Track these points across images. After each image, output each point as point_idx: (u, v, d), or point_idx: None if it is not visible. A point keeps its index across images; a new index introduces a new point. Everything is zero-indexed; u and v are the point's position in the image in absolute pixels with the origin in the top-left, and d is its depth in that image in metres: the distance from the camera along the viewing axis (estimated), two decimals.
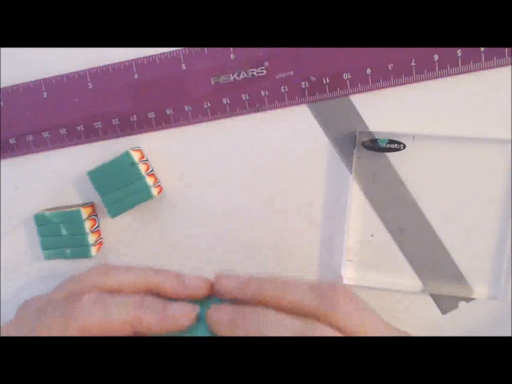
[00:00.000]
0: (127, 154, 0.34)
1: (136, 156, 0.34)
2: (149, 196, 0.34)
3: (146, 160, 0.36)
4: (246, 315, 0.24)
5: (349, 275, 0.36)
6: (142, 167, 0.34)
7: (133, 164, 0.34)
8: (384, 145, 0.34)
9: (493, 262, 0.36)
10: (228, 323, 0.24)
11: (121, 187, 0.34)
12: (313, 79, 0.35)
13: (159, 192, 0.35)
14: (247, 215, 0.36)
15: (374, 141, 0.34)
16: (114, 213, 0.35)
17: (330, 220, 0.36)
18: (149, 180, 0.34)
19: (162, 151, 0.36)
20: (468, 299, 0.36)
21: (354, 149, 0.35)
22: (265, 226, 0.36)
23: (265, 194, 0.36)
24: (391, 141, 0.34)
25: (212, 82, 0.35)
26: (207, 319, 0.25)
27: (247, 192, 0.36)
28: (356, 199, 0.36)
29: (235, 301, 0.26)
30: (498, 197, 0.35)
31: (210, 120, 0.36)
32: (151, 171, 0.36)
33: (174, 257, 0.37)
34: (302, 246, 0.36)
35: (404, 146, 0.34)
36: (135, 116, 0.36)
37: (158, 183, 0.36)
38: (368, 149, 0.35)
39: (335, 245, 0.36)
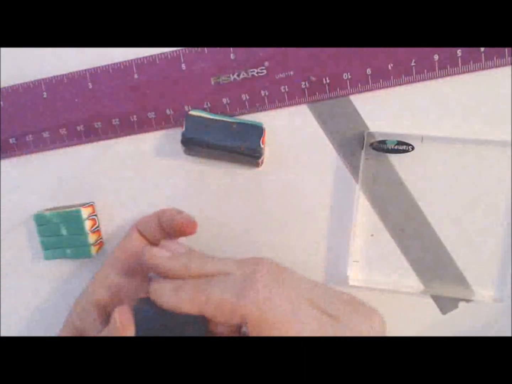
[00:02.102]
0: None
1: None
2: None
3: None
4: (189, 281, 0.26)
5: (354, 276, 0.36)
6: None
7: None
8: (392, 146, 0.34)
9: (498, 265, 0.35)
10: (171, 290, 0.26)
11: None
12: (313, 79, 0.35)
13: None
14: (249, 218, 0.36)
15: (382, 142, 0.34)
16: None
17: (332, 221, 0.36)
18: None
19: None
20: (468, 300, 0.36)
21: (362, 150, 0.35)
22: (267, 228, 0.36)
23: (265, 194, 0.36)
24: (400, 143, 0.34)
25: (212, 82, 0.35)
26: (151, 293, 0.27)
27: (248, 193, 0.36)
28: (359, 200, 0.36)
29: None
30: (502, 200, 0.35)
31: None
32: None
33: None
34: (305, 247, 0.36)
35: (413, 148, 0.34)
36: (135, 116, 0.36)
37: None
38: (376, 150, 0.35)
39: (339, 246, 0.36)
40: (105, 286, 0.31)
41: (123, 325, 0.25)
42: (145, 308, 0.27)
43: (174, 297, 0.26)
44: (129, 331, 0.25)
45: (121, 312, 0.26)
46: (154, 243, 0.33)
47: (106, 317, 0.30)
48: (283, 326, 0.24)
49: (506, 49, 0.34)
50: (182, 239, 0.32)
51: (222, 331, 0.26)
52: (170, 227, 0.31)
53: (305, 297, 0.25)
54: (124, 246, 0.33)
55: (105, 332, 0.26)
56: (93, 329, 0.30)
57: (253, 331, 0.24)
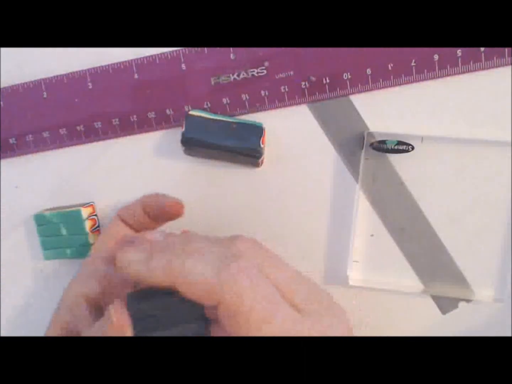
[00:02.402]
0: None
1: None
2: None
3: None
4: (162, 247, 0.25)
5: (354, 276, 0.36)
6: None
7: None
8: (392, 146, 0.34)
9: (498, 265, 0.35)
10: (141, 258, 0.24)
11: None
12: (313, 79, 0.35)
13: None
14: (249, 218, 0.36)
15: (382, 142, 0.34)
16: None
17: (332, 221, 0.36)
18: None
19: None
20: (468, 300, 0.36)
21: (362, 150, 0.35)
22: (267, 228, 0.36)
23: (265, 194, 0.36)
24: (400, 143, 0.34)
25: (212, 82, 0.35)
26: (118, 261, 0.25)
27: (248, 193, 0.36)
28: (359, 200, 0.36)
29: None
30: (502, 200, 0.35)
31: None
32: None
33: None
34: (305, 246, 0.36)
35: (413, 148, 0.34)
36: (135, 116, 0.36)
37: None
38: (376, 150, 0.35)
39: (339, 246, 0.36)
40: (95, 278, 0.30)
41: (121, 325, 0.24)
42: (138, 303, 0.25)
43: (143, 265, 0.24)
44: (127, 332, 0.24)
45: (117, 310, 0.24)
46: (139, 230, 0.32)
47: (97, 310, 0.29)
48: (257, 323, 0.22)
49: (506, 49, 0.34)
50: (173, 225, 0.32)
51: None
52: (155, 212, 0.30)
53: (283, 290, 0.24)
54: (109, 236, 0.32)
55: (97, 329, 0.25)
56: (85, 324, 0.28)
57: (224, 318, 0.22)
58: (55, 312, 0.31)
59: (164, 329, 0.24)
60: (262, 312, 0.22)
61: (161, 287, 0.24)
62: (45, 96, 0.36)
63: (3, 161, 0.37)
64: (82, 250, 0.35)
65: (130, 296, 0.26)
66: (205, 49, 0.35)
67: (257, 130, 0.34)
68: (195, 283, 0.23)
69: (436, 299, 0.36)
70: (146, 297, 0.25)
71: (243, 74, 0.35)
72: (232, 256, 0.24)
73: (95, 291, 0.29)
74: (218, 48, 0.35)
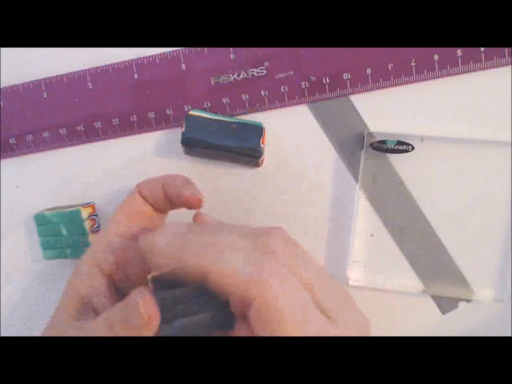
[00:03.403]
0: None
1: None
2: None
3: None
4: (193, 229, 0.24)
5: (354, 276, 0.36)
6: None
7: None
8: (392, 146, 0.34)
9: (498, 265, 0.35)
10: (172, 243, 0.23)
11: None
12: (313, 79, 0.35)
13: None
14: (249, 218, 0.36)
15: (382, 142, 0.34)
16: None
17: (332, 221, 0.36)
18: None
19: None
20: (468, 300, 0.36)
21: (362, 150, 0.35)
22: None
23: (265, 194, 0.36)
24: (400, 143, 0.34)
25: (212, 82, 0.35)
26: (142, 245, 0.24)
27: (248, 193, 0.36)
28: (359, 200, 0.36)
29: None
30: (502, 200, 0.35)
31: None
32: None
33: None
34: (305, 246, 0.36)
35: (413, 148, 0.34)
36: (135, 116, 0.36)
37: None
38: (376, 150, 0.35)
39: (339, 246, 0.36)
40: (109, 250, 0.28)
41: (150, 317, 0.21)
42: (163, 290, 0.23)
43: (175, 251, 0.22)
44: (155, 324, 0.22)
45: (146, 300, 0.22)
46: (157, 208, 0.30)
47: (113, 286, 0.28)
48: (291, 329, 0.21)
49: (506, 49, 0.34)
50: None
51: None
52: (174, 198, 0.29)
53: (314, 293, 0.23)
54: (127, 209, 0.30)
55: (119, 314, 0.23)
56: (102, 300, 0.27)
57: (255, 319, 0.21)
58: (68, 283, 0.29)
59: (190, 319, 0.22)
60: (296, 319, 0.21)
61: (190, 276, 0.22)
62: (45, 96, 0.36)
63: (3, 161, 0.37)
64: (82, 250, 0.35)
65: (153, 280, 0.23)
66: (205, 49, 0.35)
67: (257, 130, 0.34)
68: (229, 276, 0.21)
69: (436, 299, 0.36)
70: (171, 283, 0.23)
71: (243, 74, 0.35)
72: (264, 254, 0.22)
73: (109, 263, 0.28)
74: (218, 48, 0.35)
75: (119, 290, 0.28)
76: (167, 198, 0.30)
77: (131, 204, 0.30)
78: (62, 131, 0.36)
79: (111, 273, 0.28)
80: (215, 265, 0.22)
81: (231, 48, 0.35)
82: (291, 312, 0.21)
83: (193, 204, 0.29)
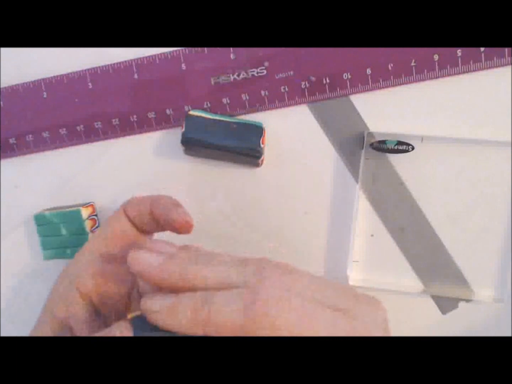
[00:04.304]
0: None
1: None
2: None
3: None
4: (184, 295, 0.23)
5: (354, 276, 0.36)
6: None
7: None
8: (392, 146, 0.34)
9: (498, 265, 0.35)
10: (166, 308, 0.23)
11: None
12: (313, 79, 0.35)
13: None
14: (249, 218, 0.36)
15: (382, 142, 0.34)
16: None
17: (332, 221, 0.36)
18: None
19: None
20: (468, 300, 0.36)
21: (362, 150, 0.35)
22: (267, 228, 0.36)
23: (266, 194, 0.36)
24: (400, 143, 0.34)
25: (212, 82, 0.35)
26: (143, 310, 0.23)
27: (248, 193, 0.36)
28: (359, 200, 0.36)
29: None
30: (502, 200, 0.35)
31: None
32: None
33: None
34: (305, 246, 0.36)
35: (413, 148, 0.34)
36: (135, 116, 0.36)
37: None
38: (376, 150, 0.35)
39: (339, 246, 0.36)
40: (90, 273, 0.28)
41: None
42: (144, 332, 0.23)
43: (170, 318, 0.23)
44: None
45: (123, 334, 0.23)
46: (142, 230, 0.29)
47: (92, 307, 0.28)
48: (299, 333, 0.22)
49: (506, 49, 0.34)
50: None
51: None
52: (162, 221, 0.28)
53: (316, 299, 0.23)
54: (110, 230, 0.29)
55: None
56: (80, 325, 0.27)
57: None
58: (46, 302, 0.28)
59: None
60: (300, 323, 0.22)
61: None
62: (45, 96, 0.36)
63: (3, 161, 0.37)
64: None
65: (133, 320, 0.24)
66: (205, 49, 0.35)
67: (257, 130, 0.34)
68: (225, 328, 0.22)
69: (436, 299, 0.36)
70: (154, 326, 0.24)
71: (243, 74, 0.35)
72: (259, 290, 0.22)
73: (88, 285, 0.27)
74: (218, 48, 0.35)
75: (96, 311, 0.28)
76: (154, 219, 0.28)
77: (114, 226, 0.29)
78: (62, 131, 0.36)
79: (89, 295, 0.27)
80: (208, 323, 0.22)
81: (231, 48, 0.35)
82: (292, 324, 0.22)
83: (182, 228, 0.27)
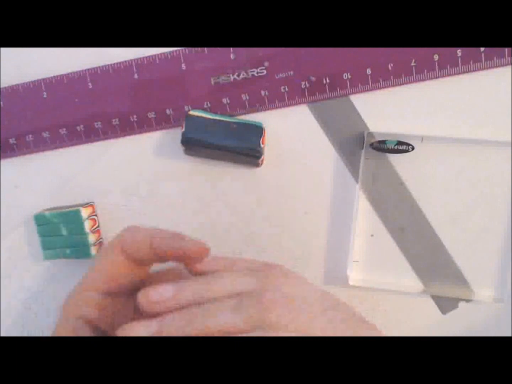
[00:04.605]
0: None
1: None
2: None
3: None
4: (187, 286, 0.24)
5: (354, 276, 0.36)
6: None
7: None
8: (392, 146, 0.34)
9: (498, 265, 0.35)
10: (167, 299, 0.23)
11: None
12: (313, 79, 0.35)
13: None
14: (249, 218, 0.36)
15: (382, 142, 0.34)
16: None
17: (332, 221, 0.36)
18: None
19: None
20: (468, 300, 0.36)
21: (362, 150, 0.35)
22: (267, 228, 0.36)
23: (266, 194, 0.36)
24: (400, 143, 0.34)
25: (212, 82, 0.35)
26: (140, 301, 0.24)
27: (248, 193, 0.36)
28: (359, 200, 0.36)
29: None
30: (502, 200, 0.35)
31: None
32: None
33: None
34: (305, 246, 0.36)
35: (413, 148, 0.34)
36: (135, 116, 0.36)
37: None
38: (376, 150, 0.35)
39: (339, 246, 0.36)
40: (91, 305, 0.27)
41: None
42: None
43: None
44: None
45: None
46: (142, 264, 0.28)
47: (99, 333, 0.27)
48: (301, 327, 0.22)
49: (506, 49, 0.34)
50: None
51: None
52: (167, 252, 0.26)
53: (318, 308, 0.24)
54: (106, 269, 0.28)
55: None
56: None
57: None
58: (55, 332, 0.28)
59: None
60: (300, 318, 0.23)
61: None
62: (45, 96, 0.36)
63: (3, 161, 0.37)
64: (82, 250, 0.35)
65: None
66: (205, 49, 0.35)
67: (257, 130, 0.34)
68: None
69: (436, 299, 0.36)
70: None
71: (243, 74, 0.35)
72: (262, 303, 0.23)
73: (92, 315, 0.27)
74: (218, 48, 0.35)
75: (104, 332, 0.27)
76: (153, 251, 0.27)
77: (111, 263, 0.28)
78: (62, 131, 0.36)
79: (95, 323, 0.27)
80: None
81: (231, 48, 0.35)
82: (291, 320, 0.22)
83: (198, 254, 0.26)
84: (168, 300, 0.24)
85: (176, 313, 0.23)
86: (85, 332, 0.27)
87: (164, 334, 0.23)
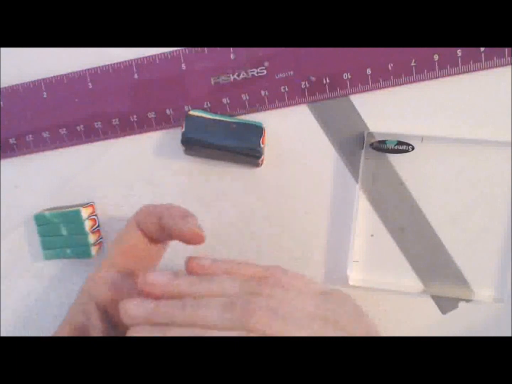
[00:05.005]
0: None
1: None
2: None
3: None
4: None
5: (354, 276, 0.36)
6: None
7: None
8: (392, 146, 0.34)
9: (498, 265, 0.35)
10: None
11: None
12: (313, 79, 0.35)
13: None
14: (249, 218, 0.36)
15: (382, 142, 0.34)
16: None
17: (332, 221, 0.36)
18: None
19: None
20: (468, 300, 0.36)
21: (362, 150, 0.35)
22: (267, 228, 0.36)
23: (266, 194, 0.36)
24: (400, 143, 0.34)
25: (212, 82, 0.35)
26: (139, 281, 0.25)
27: (248, 193, 0.36)
28: (359, 200, 0.36)
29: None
30: (502, 200, 0.35)
31: None
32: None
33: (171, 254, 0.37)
34: (305, 246, 0.36)
35: (413, 148, 0.34)
36: (135, 116, 0.36)
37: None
38: (376, 150, 0.35)
39: (339, 246, 0.36)
40: (106, 287, 0.28)
41: None
42: None
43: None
44: None
45: None
46: (152, 240, 0.30)
47: (107, 319, 0.28)
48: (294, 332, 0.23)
49: (506, 49, 0.34)
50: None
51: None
52: (170, 231, 0.28)
53: (313, 309, 0.24)
54: (122, 244, 0.30)
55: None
56: (96, 332, 0.28)
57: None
58: (68, 312, 0.30)
59: None
60: (287, 328, 0.23)
61: None
62: (45, 96, 0.36)
63: (3, 161, 0.37)
64: (82, 250, 0.35)
65: None
66: (205, 49, 0.35)
67: (257, 130, 0.34)
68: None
69: (436, 299, 0.36)
70: None
71: (243, 74, 0.35)
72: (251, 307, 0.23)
73: (105, 298, 0.28)
74: (218, 48, 0.35)
75: (112, 322, 0.28)
76: (161, 227, 0.28)
77: (128, 240, 0.29)
78: (62, 131, 0.36)
79: (105, 307, 0.28)
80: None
81: (231, 48, 0.35)
82: (285, 326, 0.23)
83: (192, 240, 0.27)
84: (164, 285, 0.25)
85: (170, 299, 0.24)
86: (93, 316, 0.28)
87: (155, 316, 0.24)
